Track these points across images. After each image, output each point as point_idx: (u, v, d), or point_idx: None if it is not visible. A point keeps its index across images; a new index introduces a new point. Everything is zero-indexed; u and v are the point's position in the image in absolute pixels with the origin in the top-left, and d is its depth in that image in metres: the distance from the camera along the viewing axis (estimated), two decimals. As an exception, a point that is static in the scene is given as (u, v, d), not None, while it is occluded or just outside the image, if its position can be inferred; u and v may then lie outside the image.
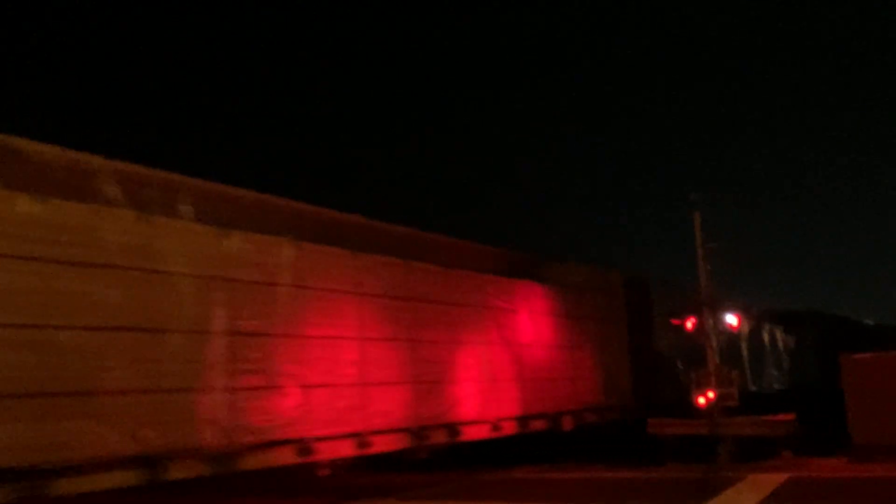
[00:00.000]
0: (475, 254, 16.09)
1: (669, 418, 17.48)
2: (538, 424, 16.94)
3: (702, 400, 16.49)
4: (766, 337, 31.75)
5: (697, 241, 17.21)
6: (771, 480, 12.92)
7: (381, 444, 12.70)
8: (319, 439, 11.61)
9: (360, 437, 12.29)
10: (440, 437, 14.07)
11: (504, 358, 16.18)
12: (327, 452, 11.79)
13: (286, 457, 11.19)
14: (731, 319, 18.57)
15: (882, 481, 12.70)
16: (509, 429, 15.98)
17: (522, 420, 16.36)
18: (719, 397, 16.39)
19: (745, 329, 27.93)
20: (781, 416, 16.37)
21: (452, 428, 14.33)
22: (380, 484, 14.09)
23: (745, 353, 28.44)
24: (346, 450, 12.12)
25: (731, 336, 24.44)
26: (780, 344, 32.56)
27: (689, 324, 18.40)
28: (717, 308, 17.84)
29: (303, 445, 11.39)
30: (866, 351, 16.53)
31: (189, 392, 10.01)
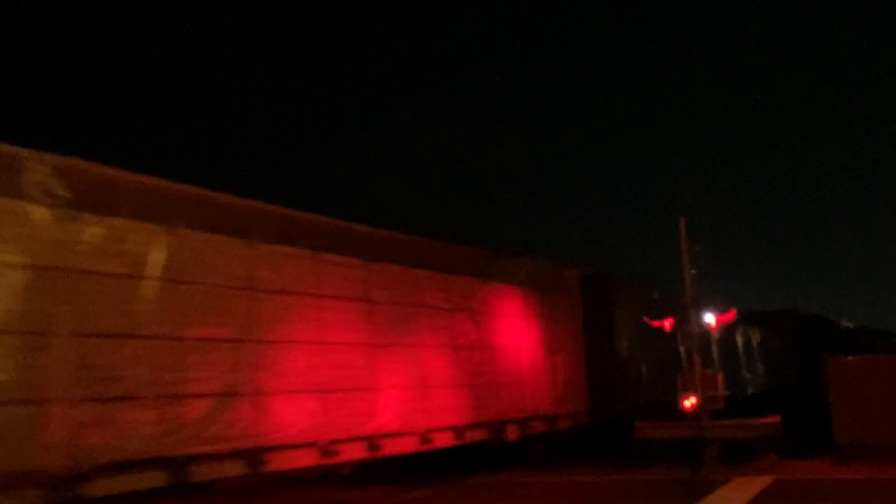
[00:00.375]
0: (404, 246, 14.50)
1: (649, 421, 17.18)
2: (477, 435, 15.38)
3: (687, 403, 16.29)
4: (739, 338, 30.31)
5: (683, 245, 16.78)
6: (757, 483, 12.93)
7: (279, 462, 11.08)
8: (196, 458, 9.97)
9: (250, 454, 10.66)
10: (356, 452, 12.47)
11: (437, 362, 14.62)
12: (207, 473, 10.16)
13: (153, 479, 9.54)
14: (709, 319, 18.14)
15: (866, 482, 12.72)
16: (442, 440, 14.41)
17: (458, 430, 14.80)
18: (704, 400, 16.19)
19: (717, 330, 26.53)
20: (766, 419, 16.19)
21: (371, 441, 12.73)
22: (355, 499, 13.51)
23: (715, 355, 26.98)
24: (234, 469, 10.49)
25: (703, 338, 23.23)
26: (755, 345, 31.13)
27: (668, 325, 18.26)
28: (702, 311, 17.56)
29: (175, 465, 9.75)
30: (845, 352, 16.73)
31: (19, 405, 8.36)
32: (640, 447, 16.47)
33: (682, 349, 25.17)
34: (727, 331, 29.23)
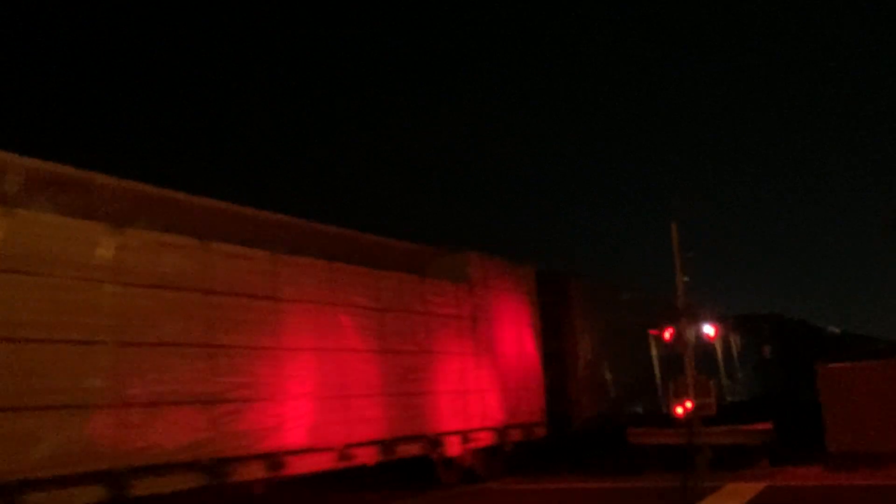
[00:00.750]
0: (323, 238, 12.93)
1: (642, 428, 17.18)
2: (409, 449, 13.80)
3: (679, 410, 16.00)
4: (719, 344, 28.67)
5: (675, 251, 16.33)
6: (748, 489, 12.97)
7: (147, 485, 9.44)
8: (36, 483, 8.35)
9: (108, 477, 9.04)
10: (252, 472, 10.86)
11: (362, 368, 13.02)
12: (52, 500, 8.53)
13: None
14: (708, 329, 17.72)
15: (858, 489, 12.69)
16: (366, 456, 12.83)
17: (386, 445, 13.20)
18: (697, 407, 15.77)
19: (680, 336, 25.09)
20: (759, 425, 16.20)
21: (272, 459, 11.12)
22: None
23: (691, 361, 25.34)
24: (86, 495, 8.85)
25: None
26: (738, 350, 29.51)
27: (668, 334, 17.25)
28: (696, 318, 17.20)
29: (6, 493, 8.15)
30: (832, 359, 16.56)
31: None
32: (630, 454, 16.34)
33: (654, 354, 23.72)
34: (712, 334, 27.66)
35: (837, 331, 34.44)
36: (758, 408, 20.47)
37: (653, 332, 19.03)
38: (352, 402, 12.66)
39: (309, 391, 11.92)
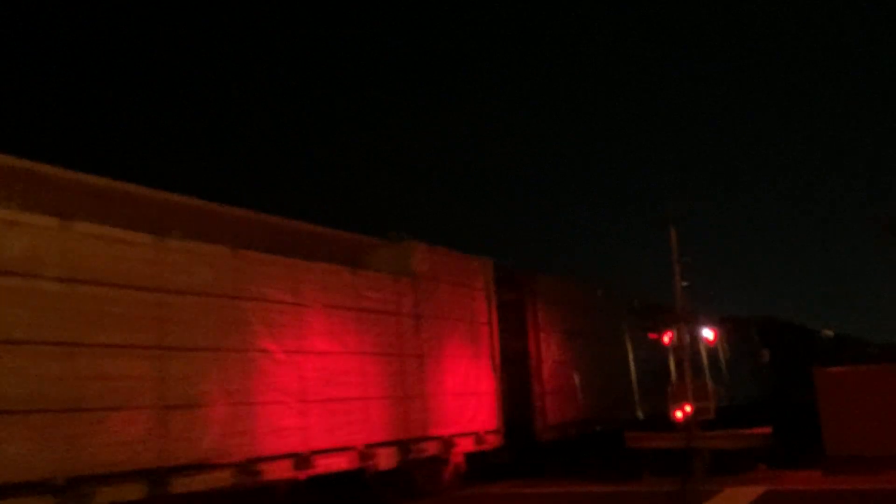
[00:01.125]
0: (227, 222, 11.38)
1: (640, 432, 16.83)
2: (335, 463, 12.22)
3: (679, 414, 16.01)
4: (705, 347, 26.99)
5: (674, 256, 16.33)
6: (747, 493, 12.96)
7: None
8: None
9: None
10: (125, 492, 9.25)
11: (273, 371, 11.44)
12: None
13: None
14: (707, 333, 18.22)
15: (857, 494, 12.58)
16: (276, 471, 11.24)
17: (302, 458, 11.62)
18: (696, 411, 15.73)
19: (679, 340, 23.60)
20: (757, 429, 15.84)
21: (150, 477, 9.53)
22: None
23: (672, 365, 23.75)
24: None
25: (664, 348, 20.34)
26: (723, 354, 27.86)
27: (667, 338, 17.49)
28: (695, 322, 17.43)
29: None
30: (826, 362, 16.69)
31: None
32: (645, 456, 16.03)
33: (632, 357, 22.16)
34: (693, 339, 26.17)
35: (831, 333, 33.01)
36: (754, 411, 20.13)
37: (651, 335, 18.50)
38: (259, 410, 11.08)
39: (202, 397, 10.33)
